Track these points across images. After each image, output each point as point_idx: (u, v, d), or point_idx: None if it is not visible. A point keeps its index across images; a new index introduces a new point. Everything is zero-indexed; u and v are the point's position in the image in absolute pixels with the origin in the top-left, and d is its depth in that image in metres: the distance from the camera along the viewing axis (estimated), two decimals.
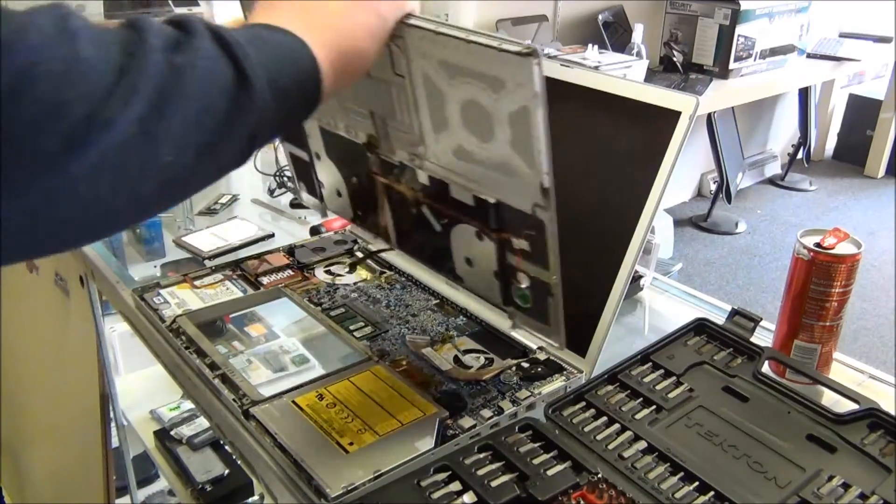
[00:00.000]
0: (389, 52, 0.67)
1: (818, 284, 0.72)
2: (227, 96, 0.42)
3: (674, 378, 0.70)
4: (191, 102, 0.40)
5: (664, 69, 3.06)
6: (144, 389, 1.56)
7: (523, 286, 0.70)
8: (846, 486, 0.58)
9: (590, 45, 2.54)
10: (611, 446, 0.63)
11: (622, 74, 2.38)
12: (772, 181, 4.23)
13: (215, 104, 0.42)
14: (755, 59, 3.06)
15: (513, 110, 0.60)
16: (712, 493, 0.58)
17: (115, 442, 1.42)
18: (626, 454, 0.62)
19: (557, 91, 0.66)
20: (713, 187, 3.74)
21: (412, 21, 0.62)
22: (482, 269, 0.74)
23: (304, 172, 0.93)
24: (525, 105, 0.58)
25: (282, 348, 0.80)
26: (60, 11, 0.37)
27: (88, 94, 0.36)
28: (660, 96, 0.69)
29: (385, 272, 0.93)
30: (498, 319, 0.82)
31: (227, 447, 1.36)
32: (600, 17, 2.89)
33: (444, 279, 0.83)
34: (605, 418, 0.66)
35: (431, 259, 0.81)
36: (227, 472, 1.39)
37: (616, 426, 0.65)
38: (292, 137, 0.92)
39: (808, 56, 3.35)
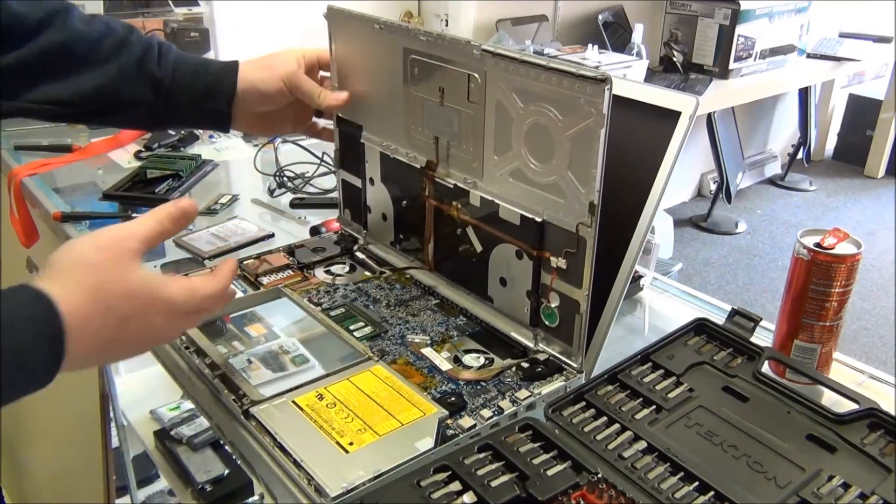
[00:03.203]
0: (467, 81, 0.74)
1: (818, 284, 0.72)
2: None
3: (674, 378, 0.70)
4: None
5: (664, 69, 3.06)
6: (144, 389, 1.56)
7: (553, 305, 0.75)
8: (846, 486, 0.58)
9: (590, 45, 2.54)
10: (611, 446, 0.63)
11: (622, 74, 2.38)
12: (772, 181, 4.23)
13: None
14: (755, 59, 3.06)
15: (577, 132, 0.66)
16: (712, 493, 0.58)
17: (115, 442, 1.42)
18: (626, 454, 0.62)
19: None
20: (713, 187, 3.74)
21: (498, 51, 0.70)
22: (515, 289, 0.79)
23: (353, 199, 1.00)
24: (590, 126, 0.64)
25: (282, 348, 0.80)
26: None
27: None
28: (660, 96, 0.69)
29: (385, 272, 0.93)
30: (498, 320, 0.82)
31: (227, 447, 1.36)
32: (600, 17, 2.90)
33: (468, 292, 0.86)
34: (605, 418, 0.66)
35: (465, 281, 0.86)
36: (227, 472, 1.39)
37: (616, 426, 0.65)
38: (348, 165, 0.98)
39: (808, 56, 3.35)
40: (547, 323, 0.76)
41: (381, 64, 0.85)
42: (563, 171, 0.69)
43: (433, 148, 0.83)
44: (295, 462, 0.62)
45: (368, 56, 0.87)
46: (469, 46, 0.73)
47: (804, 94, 3.98)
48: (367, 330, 0.81)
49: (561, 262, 0.72)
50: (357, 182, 0.97)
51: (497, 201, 0.77)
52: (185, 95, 0.84)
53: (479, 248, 0.82)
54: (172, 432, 1.47)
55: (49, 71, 0.79)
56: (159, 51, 0.83)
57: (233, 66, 0.86)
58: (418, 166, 0.86)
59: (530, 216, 0.73)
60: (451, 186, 0.82)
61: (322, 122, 0.99)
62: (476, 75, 0.74)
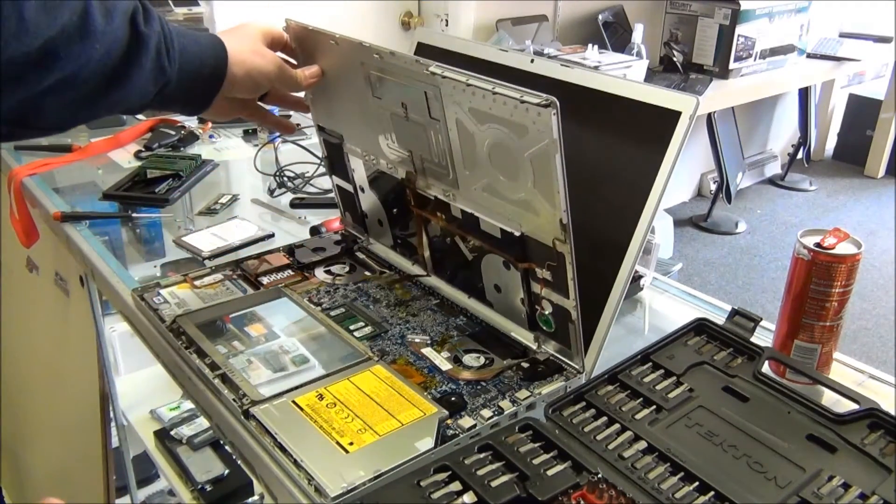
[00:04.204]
0: (426, 98, 0.74)
1: (818, 284, 0.72)
2: None
3: (674, 378, 0.70)
4: None
5: (664, 69, 3.06)
6: (144, 389, 1.56)
7: (547, 312, 0.75)
8: (846, 486, 0.58)
9: (590, 45, 2.54)
10: (611, 446, 0.63)
11: (622, 74, 2.38)
12: (772, 181, 4.23)
13: None
14: (755, 59, 3.06)
15: (534, 154, 0.65)
16: (712, 493, 0.58)
17: (115, 442, 1.42)
18: (626, 454, 0.62)
19: (558, 92, 0.67)
20: (713, 187, 3.74)
21: (446, 73, 0.69)
22: (510, 296, 0.79)
23: (350, 203, 1.00)
24: (545, 150, 0.64)
25: (282, 348, 0.80)
26: None
27: None
28: (660, 96, 0.69)
29: (385, 272, 0.93)
30: (499, 319, 0.82)
31: (227, 447, 1.36)
32: (600, 17, 2.89)
33: (464, 292, 0.86)
34: (605, 418, 0.66)
35: (464, 285, 0.86)
36: (227, 472, 1.39)
37: (616, 426, 0.65)
38: (339, 171, 0.98)
39: (808, 56, 3.35)
40: (544, 328, 0.76)
41: (349, 77, 0.83)
42: (530, 189, 0.68)
43: (410, 161, 0.82)
44: (295, 462, 0.62)
45: (336, 69, 0.84)
46: (419, 66, 0.71)
47: (804, 94, 3.98)
48: (367, 330, 0.81)
49: (546, 274, 0.71)
50: (350, 188, 0.97)
51: (476, 214, 0.76)
52: (183, 92, 0.76)
53: (469, 256, 0.82)
54: (172, 432, 1.47)
55: (76, 99, 0.66)
56: (165, 39, 0.71)
57: (223, 53, 0.77)
58: (399, 177, 0.85)
59: (509, 230, 0.73)
60: (433, 198, 0.82)
61: (271, 109, 0.91)
62: (432, 93, 0.72)
